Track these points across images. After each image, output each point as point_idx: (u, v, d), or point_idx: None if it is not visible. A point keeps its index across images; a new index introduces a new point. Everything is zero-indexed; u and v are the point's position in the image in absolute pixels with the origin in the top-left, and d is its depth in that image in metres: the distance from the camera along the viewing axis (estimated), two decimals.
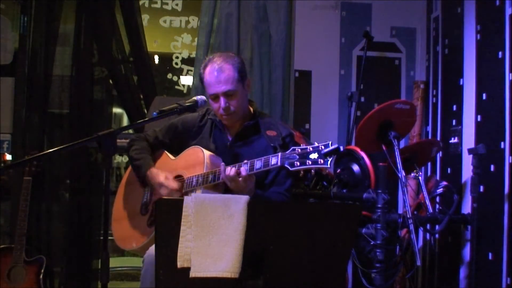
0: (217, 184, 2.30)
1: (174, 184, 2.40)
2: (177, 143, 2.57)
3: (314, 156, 1.96)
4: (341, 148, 1.97)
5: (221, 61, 2.39)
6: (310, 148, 1.99)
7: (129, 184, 2.68)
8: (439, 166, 3.62)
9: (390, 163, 2.84)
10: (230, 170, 2.19)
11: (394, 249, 3.08)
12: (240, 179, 2.18)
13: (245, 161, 2.20)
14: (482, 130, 3.14)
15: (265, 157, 2.13)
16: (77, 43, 3.77)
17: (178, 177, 2.47)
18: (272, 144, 2.25)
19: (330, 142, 1.96)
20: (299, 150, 2.01)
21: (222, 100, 2.38)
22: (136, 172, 2.56)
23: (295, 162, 1.99)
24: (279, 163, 2.05)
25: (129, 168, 2.71)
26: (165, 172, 2.46)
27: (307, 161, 1.97)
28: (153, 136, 2.63)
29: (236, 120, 2.48)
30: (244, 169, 2.17)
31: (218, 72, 2.36)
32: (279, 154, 2.06)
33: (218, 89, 2.37)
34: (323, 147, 1.96)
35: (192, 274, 1.68)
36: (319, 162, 1.95)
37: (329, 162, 1.95)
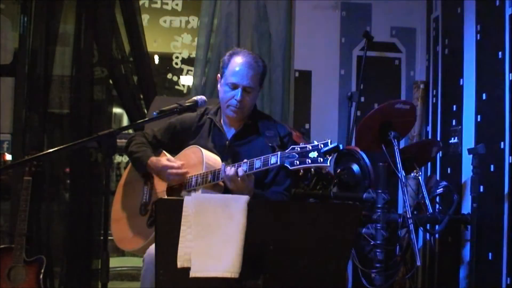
0: (217, 184, 2.30)
1: (178, 162, 2.41)
2: (175, 143, 2.57)
3: (313, 154, 1.96)
4: (341, 147, 1.97)
5: (251, 58, 2.45)
6: (309, 146, 1.98)
7: (128, 184, 2.68)
8: (439, 166, 3.62)
9: (390, 163, 2.83)
10: (230, 170, 2.19)
11: (394, 249, 3.08)
12: (239, 179, 2.18)
13: (245, 160, 2.20)
14: (482, 130, 3.14)
15: (264, 156, 2.13)
16: (77, 43, 3.77)
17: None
18: (270, 144, 2.25)
19: (329, 141, 1.96)
20: (299, 149, 2.00)
21: (240, 92, 2.41)
22: (137, 165, 2.55)
23: (295, 161, 1.99)
24: (278, 162, 2.05)
25: (128, 168, 2.70)
26: (165, 156, 2.47)
27: (307, 160, 1.97)
28: (152, 135, 2.63)
29: (239, 118, 2.48)
30: (241, 169, 2.18)
31: (248, 66, 2.42)
32: (279, 153, 2.06)
33: (242, 82, 2.41)
34: (322, 145, 1.96)
35: (192, 274, 1.67)
36: (319, 160, 1.95)
37: (328, 161, 1.94)
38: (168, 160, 2.44)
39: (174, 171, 2.39)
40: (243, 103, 2.43)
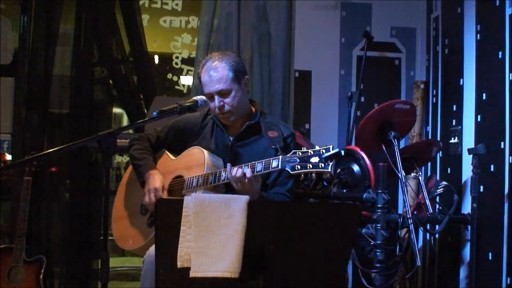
0: (217, 185, 2.30)
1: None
2: (178, 143, 2.57)
3: (315, 160, 1.96)
4: (342, 153, 1.97)
5: (215, 61, 2.41)
6: (311, 151, 1.98)
7: (129, 183, 2.68)
8: (439, 166, 3.62)
9: (390, 163, 2.84)
10: (236, 171, 2.19)
11: (394, 249, 3.08)
12: (246, 180, 2.17)
13: (247, 163, 2.20)
14: (482, 130, 3.14)
15: (266, 159, 2.13)
16: (77, 43, 3.77)
17: (179, 178, 2.46)
18: (273, 146, 2.25)
19: (331, 146, 1.96)
20: (300, 154, 2.00)
21: (216, 99, 2.39)
22: (137, 172, 2.56)
23: (296, 166, 1.99)
24: (279, 166, 2.05)
25: (130, 168, 2.71)
26: (165, 181, 2.46)
27: (308, 164, 1.97)
28: (155, 136, 2.63)
29: (236, 119, 2.47)
30: (249, 171, 2.17)
31: (212, 72, 2.39)
32: (280, 157, 2.06)
33: (212, 89, 2.39)
34: (324, 151, 1.96)
35: (192, 274, 1.68)
36: (320, 166, 1.95)
37: (330, 166, 1.94)
38: (162, 188, 2.42)
39: (152, 196, 2.39)
40: (225, 107, 2.40)
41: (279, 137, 2.37)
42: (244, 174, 2.17)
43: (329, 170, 1.95)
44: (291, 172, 2.00)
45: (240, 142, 2.48)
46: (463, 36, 3.39)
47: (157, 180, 2.44)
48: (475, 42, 3.24)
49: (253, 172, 2.16)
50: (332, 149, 1.95)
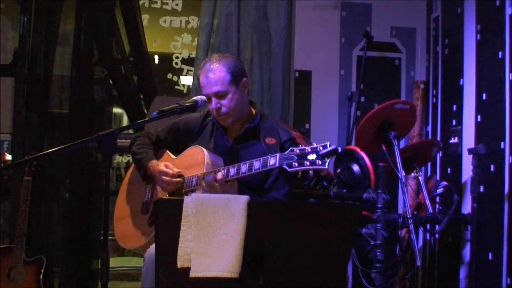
0: None
1: (174, 170, 2.41)
2: (178, 143, 2.57)
3: (312, 157, 1.97)
4: (339, 149, 1.97)
5: (213, 63, 2.41)
6: (308, 149, 1.99)
7: (131, 183, 2.69)
8: (439, 166, 3.62)
9: (390, 163, 2.84)
10: (209, 177, 2.21)
11: (394, 249, 3.08)
12: (217, 184, 2.19)
13: (245, 162, 2.20)
14: (482, 130, 3.14)
15: (263, 157, 2.14)
16: (77, 43, 3.77)
17: (180, 177, 2.47)
18: (270, 154, 2.25)
19: (328, 143, 1.96)
20: (297, 151, 2.00)
21: (213, 101, 2.39)
22: (138, 166, 2.56)
23: (293, 163, 2.00)
24: (277, 164, 2.05)
25: (131, 167, 2.71)
26: (166, 162, 2.47)
27: (305, 162, 1.97)
28: (155, 135, 2.64)
29: (233, 122, 2.46)
30: (220, 174, 2.19)
31: (210, 74, 2.38)
32: (278, 154, 2.07)
33: (209, 90, 2.39)
34: (321, 148, 1.96)
35: (192, 274, 1.67)
36: (317, 163, 1.95)
37: (327, 164, 1.95)
38: (166, 166, 2.44)
39: (167, 178, 2.40)
40: (222, 109, 2.40)
41: (276, 145, 2.37)
42: (215, 179, 2.18)
43: (326, 167, 1.96)
44: (288, 170, 2.00)
45: (239, 144, 2.48)
46: (463, 36, 3.39)
47: (159, 164, 2.45)
48: (475, 42, 3.24)
49: (251, 170, 2.16)
50: (329, 146, 1.95)
